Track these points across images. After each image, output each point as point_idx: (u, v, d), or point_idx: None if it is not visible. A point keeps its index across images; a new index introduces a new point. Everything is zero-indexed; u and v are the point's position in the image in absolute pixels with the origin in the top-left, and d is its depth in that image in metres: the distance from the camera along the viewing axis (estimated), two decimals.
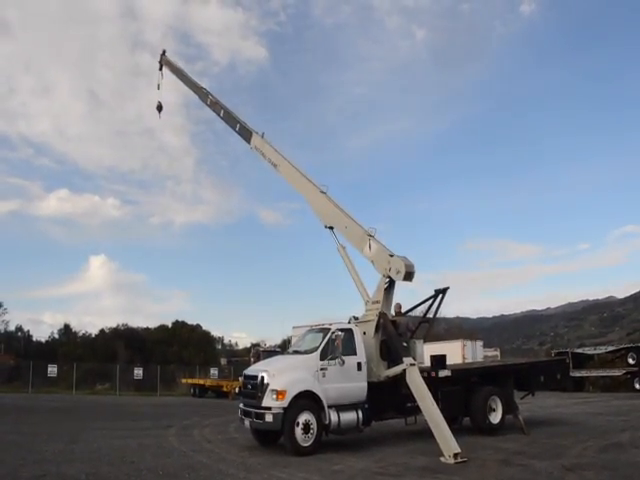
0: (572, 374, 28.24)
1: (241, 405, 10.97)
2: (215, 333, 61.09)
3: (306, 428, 9.91)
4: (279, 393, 9.82)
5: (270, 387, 9.99)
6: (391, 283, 11.96)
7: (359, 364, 10.98)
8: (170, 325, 55.26)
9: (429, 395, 10.44)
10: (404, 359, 10.89)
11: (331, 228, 13.46)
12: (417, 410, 10.91)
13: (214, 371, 37.21)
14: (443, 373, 11.97)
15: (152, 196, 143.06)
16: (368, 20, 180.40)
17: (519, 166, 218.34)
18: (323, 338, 10.89)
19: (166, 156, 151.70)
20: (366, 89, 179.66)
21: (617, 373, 30.61)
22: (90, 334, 52.44)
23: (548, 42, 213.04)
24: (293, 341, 19.62)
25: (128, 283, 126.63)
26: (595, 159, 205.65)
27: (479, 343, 32.53)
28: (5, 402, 24.58)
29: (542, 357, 32.52)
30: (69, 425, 15.15)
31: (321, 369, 10.46)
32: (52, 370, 34.97)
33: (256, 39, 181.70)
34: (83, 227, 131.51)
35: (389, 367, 11.36)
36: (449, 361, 13.14)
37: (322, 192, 13.73)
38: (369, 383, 11.07)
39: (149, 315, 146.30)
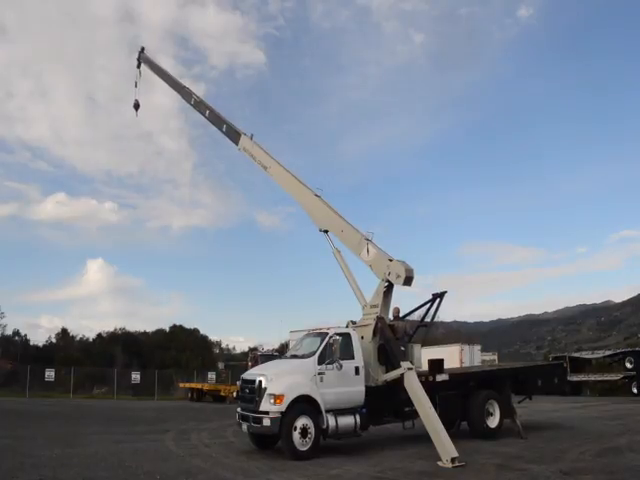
0: (570, 378, 28.35)
1: (239, 409, 10.94)
2: (213, 337, 61.32)
3: (304, 432, 9.90)
4: (277, 397, 9.81)
5: (268, 391, 9.97)
6: (389, 287, 11.96)
7: (357, 368, 10.97)
8: (168, 329, 55.41)
9: (427, 399, 10.45)
10: (402, 363, 10.90)
11: (326, 232, 13.35)
12: (415, 414, 10.90)
13: (212, 375, 37.09)
14: (441, 377, 11.98)
15: (150, 200, 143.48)
16: (366, 24, 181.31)
17: (517, 170, 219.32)
18: (321, 342, 10.88)
19: (164, 160, 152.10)
20: (364, 93, 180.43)
21: (615, 377, 30.66)
22: (88, 338, 52.57)
23: (546, 47, 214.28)
24: (291, 345, 19.63)
25: (126, 287, 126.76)
26: (593, 163, 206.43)
27: (477, 347, 32.57)
28: (2, 406, 24.46)
29: (540, 361, 32.45)
30: (66, 429, 15.10)
31: (319, 373, 10.44)
32: (49, 374, 34.77)
33: (254, 43, 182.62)
34: (81, 231, 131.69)
35: (387, 371, 11.35)
36: (447, 365, 13.18)
37: (316, 195, 13.65)
38: (367, 387, 11.06)
39: (147, 319, 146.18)
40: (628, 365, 29.68)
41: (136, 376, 36.62)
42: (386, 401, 11.39)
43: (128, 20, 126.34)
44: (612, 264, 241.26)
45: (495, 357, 36.13)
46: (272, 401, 9.82)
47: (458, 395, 12.27)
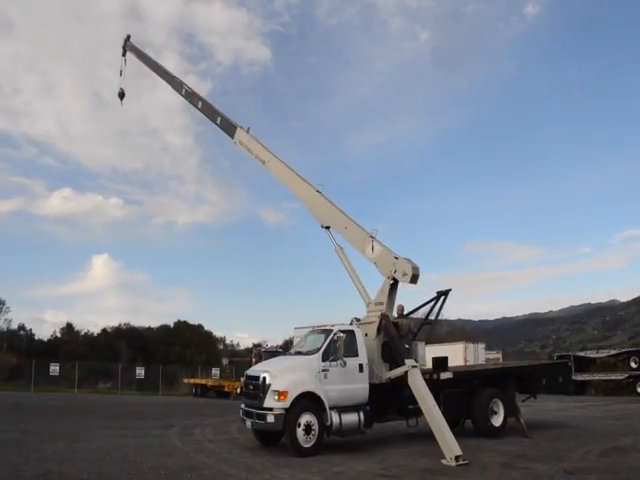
0: (574, 377, 28.24)
1: (243, 405, 10.97)
2: (217, 333, 61.24)
3: (307, 429, 9.91)
4: (281, 394, 9.82)
5: (272, 388, 9.99)
6: (394, 285, 11.94)
7: (361, 366, 10.97)
8: (172, 325, 55.48)
9: (431, 397, 10.44)
10: (406, 361, 10.89)
11: (327, 228, 13.26)
12: (419, 412, 10.89)
13: (216, 371, 37.23)
14: (445, 375, 11.95)
15: (155, 196, 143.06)
16: (372, 21, 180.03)
17: (522, 168, 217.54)
18: (325, 339, 10.88)
19: (170, 156, 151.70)
20: (370, 90, 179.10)
21: (619, 377, 30.61)
22: (92, 333, 52.69)
23: (553, 44, 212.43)
24: (295, 342, 19.62)
25: (131, 282, 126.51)
26: (599, 161, 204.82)
27: (481, 345, 32.48)
28: (7, 401, 24.66)
29: (544, 360, 32.37)
30: (71, 424, 15.19)
31: (323, 370, 10.45)
32: (54, 369, 35.04)
33: (260, 40, 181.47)
34: (86, 226, 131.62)
35: (391, 369, 11.35)
36: (451, 363, 13.13)
37: (317, 191, 13.50)
38: (371, 385, 11.05)
39: (151, 315, 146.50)
40: (633, 365, 29.59)
41: (140, 371, 36.82)
42: (390, 398, 11.39)
43: (134, 16, 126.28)
44: (617, 263, 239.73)
45: (499, 355, 36.01)
46: (276, 397, 9.83)
47: (462, 393, 12.26)
